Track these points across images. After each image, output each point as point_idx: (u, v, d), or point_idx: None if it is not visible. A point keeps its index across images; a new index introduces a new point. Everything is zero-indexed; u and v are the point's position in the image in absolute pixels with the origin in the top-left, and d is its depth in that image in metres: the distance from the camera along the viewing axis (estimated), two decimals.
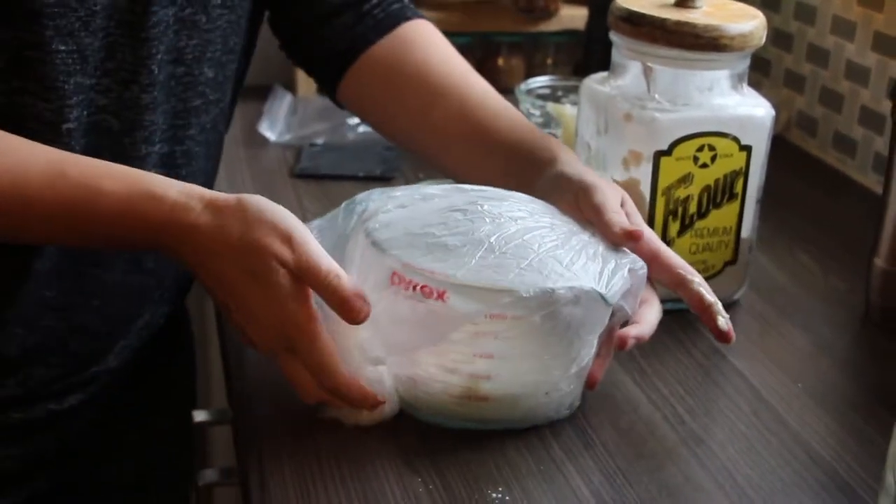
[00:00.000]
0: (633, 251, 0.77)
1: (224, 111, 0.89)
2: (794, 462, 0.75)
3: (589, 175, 0.81)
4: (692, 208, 0.91)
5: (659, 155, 0.88)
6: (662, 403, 0.81)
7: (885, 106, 1.19)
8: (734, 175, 0.91)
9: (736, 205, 0.92)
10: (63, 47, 0.73)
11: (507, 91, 1.05)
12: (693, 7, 0.89)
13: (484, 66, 1.45)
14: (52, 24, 0.72)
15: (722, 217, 0.92)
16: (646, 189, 0.89)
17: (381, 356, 0.73)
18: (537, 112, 1.18)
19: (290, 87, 1.40)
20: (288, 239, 0.70)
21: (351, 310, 0.70)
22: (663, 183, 0.89)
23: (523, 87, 1.22)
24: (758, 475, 0.73)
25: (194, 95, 0.83)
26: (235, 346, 0.86)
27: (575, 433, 0.76)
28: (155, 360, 0.94)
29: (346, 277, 0.70)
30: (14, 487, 0.86)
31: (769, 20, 0.97)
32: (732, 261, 0.94)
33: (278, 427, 0.76)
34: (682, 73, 0.89)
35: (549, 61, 1.52)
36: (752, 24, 0.88)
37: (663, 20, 0.87)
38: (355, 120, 1.31)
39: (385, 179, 1.18)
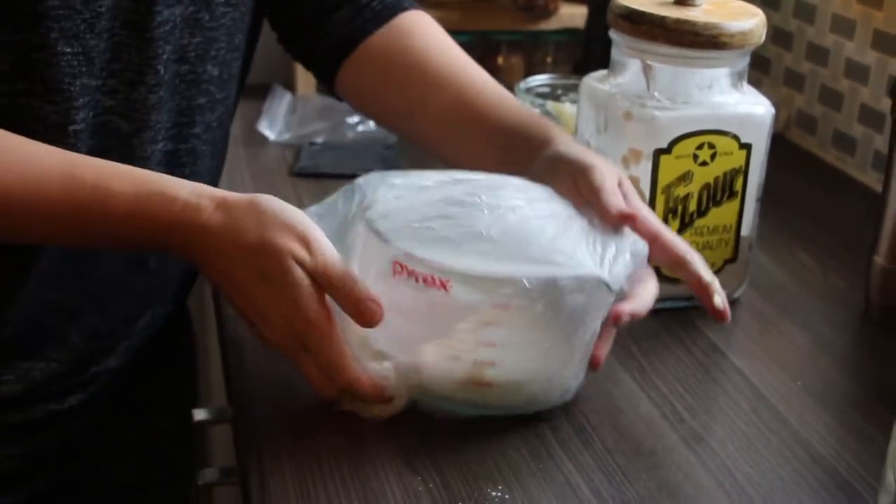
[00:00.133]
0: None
1: (229, 109, 0.89)
2: (793, 460, 0.75)
3: (586, 155, 0.81)
4: (692, 206, 0.91)
5: (659, 153, 0.88)
6: (662, 401, 0.81)
7: (885, 104, 1.19)
8: (734, 173, 0.91)
9: (736, 203, 0.92)
10: (68, 49, 0.73)
11: (506, 89, 1.05)
12: (693, 5, 0.89)
13: (483, 65, 1.41)
14: (58, 26, 0.71)
15: (722, 215, 0.92)
16: (646, 187, 0.89)
17: (385, 350, 0.73)
18: (537, 110, 1.18)
19: (290, 86, 1.40)
20: (305, 240, 0.70)
21: (364, 312, 0.70)
22: (663, 181, 0.89)
23: (523, 85, 1.22)
24: (757, 473, 0.73)
25: (198, 93, 0.83)
26: (235, 345, 0.86)
27: (574, 431, 0.76)
28: (156, 360, 0.94)
29: (360, 281, 0.70)
30: (14, 487, 0.86)
31: (769, 18, 0.97)
32: (732, 259, 0.94)
33: (278, 426, 0.76)
34: (682, 71, 0.89)
35: (549, 60, 1.52)
36: (751, 23, 0.88)
37: (663, 18, 0.87)
38: (355, 119, 1.31)
39: None
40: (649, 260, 0.78)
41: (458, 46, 0.95)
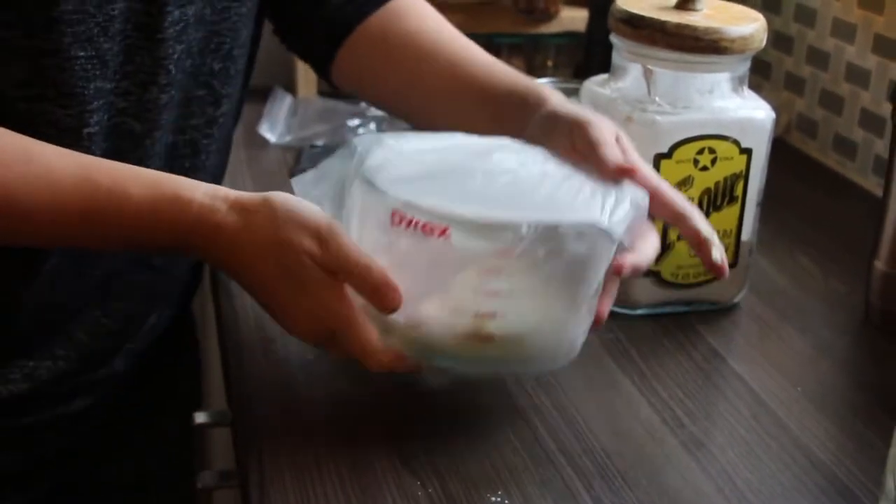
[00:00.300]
0: None
1: (233, 106, 0.89)
2: (793, 466, 0.75)
3: (582, 112, 0.81)
4: None
5: (659, 157, 0.88)
6: (662, 407, 0.81)
7: (886, 108, 1.19)
8: (734, 178, 0.91)
9: (736, 208, 0.92)
10: (82, 53, 0.73)
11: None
12: (693, 9, 0.89)
13: None
14: (71, 30, 0.72)
15: (722, 220, 0.91)
16: None
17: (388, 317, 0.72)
18: None
19: (291, 88, 1.40)
20: (317, 234, 0.70)
21: (383, 299, 0.70)
22: None
23: None
24: (757, 479, 0.73)
25: (197, 86, 0.83)
26: (235, 348, 0.86)
27: (574, 437, 0.76)
28: (161, 363, 0.94)
29: (376, 268, 0.70)
30: (14, 489, 0.86)
31: (769, 22, 0.97)
32: (732, 264, 0.93)
33: (278, 429, 0.76)
34: (683, 76, 0.89)
35: (550, 63, 1.52)
36: (752, 27, 0.88)
37: (663, 22, 0.87)
38: (355, 122, 1.31)
39: None
40: (649, 215, 0.77)
41: (451, 25, 0.95)
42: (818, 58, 1.32)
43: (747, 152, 0.90)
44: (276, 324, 0.74)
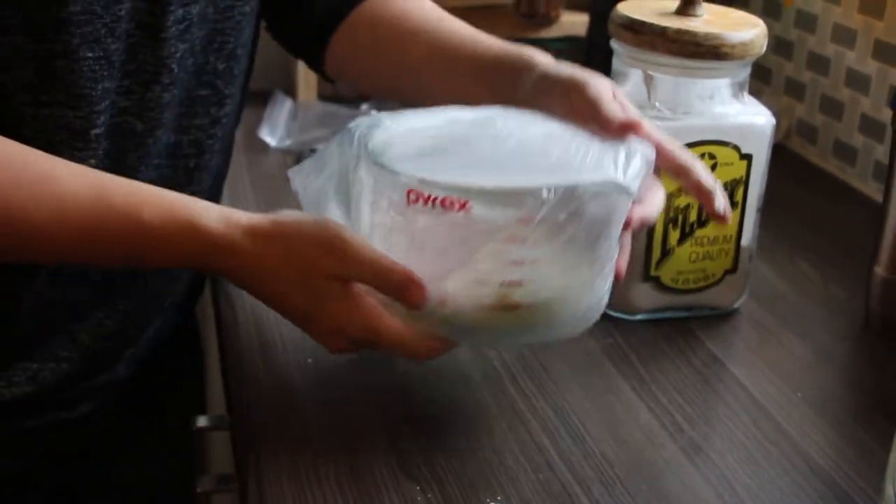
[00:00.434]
0: None
1: (235, 106, 0.89)
2: (793, 472, 0.75)
3: (576, 72, 0.80)
4: (692, 217, 0.90)
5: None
6: (661, 412, 0.80)
7: (886, 114, 1.19)
8: (735, 183, 0.91)
9: (736, 213, 0.92)
10: (90, 54, 0.73)
11: None
12: (694, 15, 0.89)
13: None
14: (79, 31, 0.72)
15: (722, 226, 0.91)
16: None
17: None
18: None
19: (291, 92, 1.40)
20: (332, 250, 0.70)
21: (410, 297, 0.70)
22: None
23: None
24: (757, 485, 0.73)
25: (200, 85, 0.83)
26: (234, 352, 0.86)
27: (574, 442, 0.76)
28: (163, 368, 0.94)
29: (396, 268, 0.69)
30: (15, 489, 0.86)
31: (770, 28, 0.97)
32: (732, 269, 0.94)
33: (277, 434, 0.76)
34: (683, 82, 0.89)
35: None
36: (752, 33, 0.88)
37: (664, 28, 0.87)
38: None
39: None
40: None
41: (436, 5, 0.95)
42: (818, 63, 1.32)
43: (747, 158, 0.90)
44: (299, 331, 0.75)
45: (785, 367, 0.88)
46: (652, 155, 0.75)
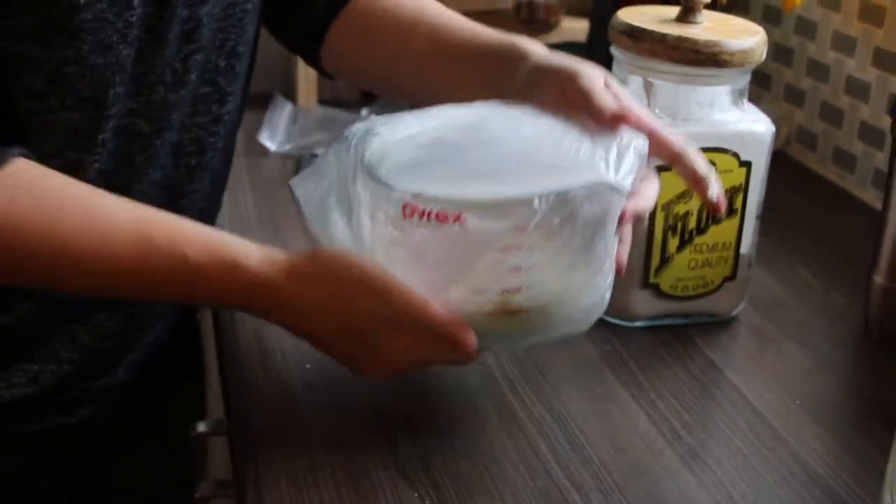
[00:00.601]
0: None
1: (237, 105, 0.89)
2: (791, 479, 0.75)
3: (568, 62, 0.80)
4: (691, 224, 0.91)
5: (659, 170, 0.88)
6: (660, 419, 0.80)
7: (885, 121, 1.19)
8: (734, 191, 0.91)
9: (735, 220, 0.92)
10: (101, 60, 0.73)
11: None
12: (694, 22, 0.89)
13: None
14: (91, 38, 0.72)
15: (721, 233, 0.91)
16: None
17: None
18: None
19: (291, 95, 1.40)
20: (375, 291, 0.70)
21: (458, 347, 0.70)
22: (663, 198, 0.89)
23: None
24: (755, 492, 0.73)
25: (202, 83, 0.83)
26: (233, 357, 0.86)
27: (572, 449, 0.76)
28: (164, 373, 0.94)
29: (439, 314, 0.70)
30: (14, 490, 0.86)
31: (770, 35, 0.97)
32: (731, 276, 0.94)
33: (275, 439, 0.76)
34: (683, 89, 0.89)
35: None
36: (752, 40, 0.88)
37: (664, 35, 0.87)
38: None
39: None
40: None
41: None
42: (818, 70, 1.32)
43: (747, 165, 0.90)
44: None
45: (784, 374, 0.88)
46: (645, 148, 0.75)
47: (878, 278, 0.93)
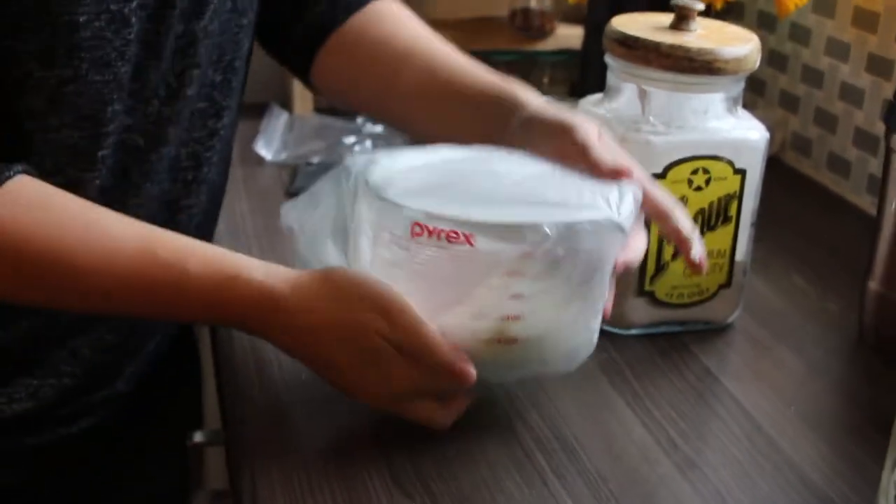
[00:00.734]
0: None
1: (233, 118, 0.89)
2: (787, 487, 0.75)
3: (562, 115, 0.81)
4: None
5: (653, 178, 0.88)
6: (655, 427, 0.80)
7: (879, 127, 1.19)
8: (728, 198, 0.91)
9: (730, 228, 0.92)
10: (99, 77, 0.73)
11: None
12: (688, 30, 0.89)
13: None
14: (89, 56, 0.72)
15: (716, 240, 0.92)
16: None
17: None
18: None
19: (287, 105, 1.40)
20: (384, 311, 0.70)
21: (458, 377, 0.70)
22: None
23: None
24: (750, 500, 0.73)
25: (198, 98, 0.83)
26: (229, 368, 0.86)
27: (567, 458, 0.76)
28: (163, 384, 0.94)
29: (442, 345, 0.70)
30: (13, 499, 0.86)
31: (764, 41, 0.98)
32: (726, 284, 0.94)
33: (270, 450, 0.76)
34: (677, 97, 0.89)
35: (546, 80, 1.52)
36: (746, 48, 0.89)
37: (658, 43, 0.87)
38: (351, 139, 1.31)
39: None
40: None
41: (427, 28, 0.96)
42: (812, 76, 1.33)
43: (741, 173, 0.90)
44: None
45: (779, 381, 0.88)
46: (640, 195, 0.77)
47: (873, 284, 0.93)
